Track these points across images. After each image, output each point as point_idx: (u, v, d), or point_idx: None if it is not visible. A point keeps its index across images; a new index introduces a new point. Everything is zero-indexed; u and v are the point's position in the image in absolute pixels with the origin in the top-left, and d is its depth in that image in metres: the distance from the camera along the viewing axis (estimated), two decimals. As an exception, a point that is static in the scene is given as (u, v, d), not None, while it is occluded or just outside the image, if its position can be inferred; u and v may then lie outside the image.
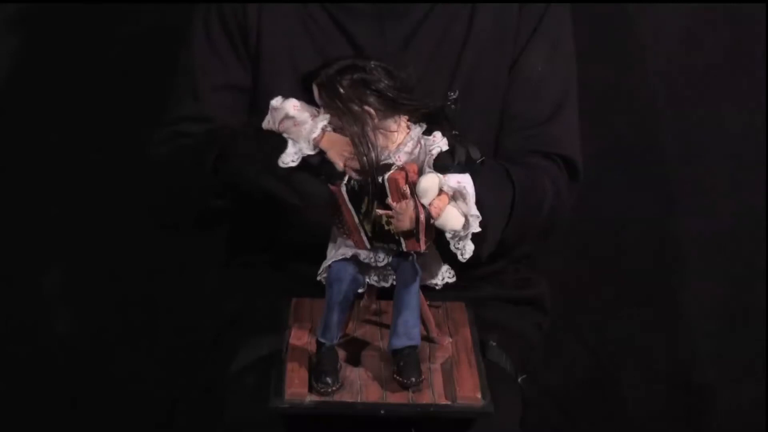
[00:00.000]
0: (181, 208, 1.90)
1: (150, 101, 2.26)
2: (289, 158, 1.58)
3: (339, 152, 1.57)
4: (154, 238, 2.30)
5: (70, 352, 2.51)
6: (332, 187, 1.57)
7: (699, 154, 2.45)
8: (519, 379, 1.86)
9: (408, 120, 1.59)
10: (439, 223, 1.51)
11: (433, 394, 1.57)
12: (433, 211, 1.50)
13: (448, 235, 1.53)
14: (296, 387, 1.56)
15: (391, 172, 1.52)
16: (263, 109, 1.64)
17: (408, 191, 1.51)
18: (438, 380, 1.59)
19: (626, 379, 2.57)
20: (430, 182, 1.50)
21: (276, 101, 1.60)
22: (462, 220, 1.51)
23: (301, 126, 1.58)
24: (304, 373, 1.59)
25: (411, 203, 1.51)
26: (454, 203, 1.51)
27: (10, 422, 2.54)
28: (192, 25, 1.92)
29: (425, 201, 1.50)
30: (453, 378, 1.59)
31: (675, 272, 2.52)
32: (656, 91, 2.42)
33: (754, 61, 2.39)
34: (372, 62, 1.58)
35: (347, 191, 1.55)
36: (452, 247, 1.54)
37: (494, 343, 1.83)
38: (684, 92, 2.41)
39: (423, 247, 1.53)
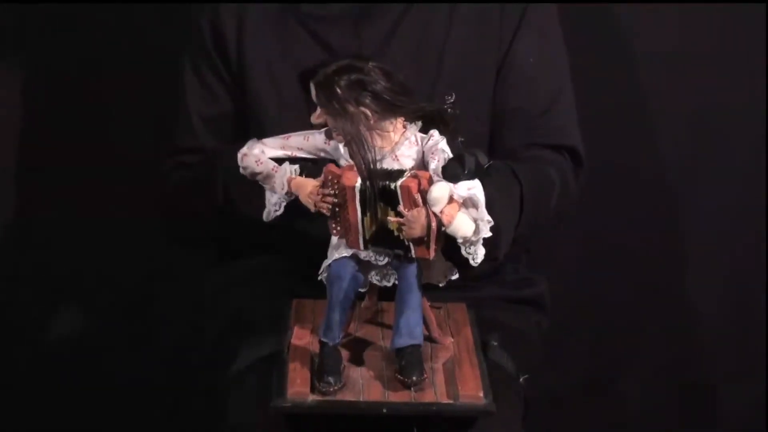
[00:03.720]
0: (190, 227, 2.00)
1: (150, 103, 2.27)
2: (273, 211, 1.62)
3: (307, 195, 1.58)
4: (154, 239, 2.30)
5: (70, 353, 2.51)
6: (328, 167, 1.57)
7: (699, 154, 2.45)
8: (521, 379, 1.86)
9: (404, 120, 1.59)
10: (451, 230, 1.51)
11: (436, 393, 1.57)
12: (445, 219, 1.50)
13: (459, 241, 1.53)
14: (298, 387, 1.56)
15: (404, 179, 1.53)
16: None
17: (420, 199, 1.51)
18: (440, 379, 1.59)
19: (626, 378, 2.57)
20: (440, 191, 1.50)
21: (240, 156, 1.63)
22: (473, 226, 1.51)
23: (270, 179, 1.61)
24: (306, 373, 1.59)
25: (423, 211, 1.51)
26: (464, 210, 1.51)
27: (11, 423, 2.54)
28: (183, 61, 1.96)
29: (436, 209, 1.50)
30: (455, 377, 1.60)
31: (675, 272, 2.52)
32: (655, 91, 2.42)
33: (754, 60, 2.39)
34: (370, 63, 1.58)
35: (359, 192, 1.55)
36: (463, 252, 1.54)
37: (495, 343, 1.83)
38: (683, 91, 2.41)
39: (432, 255, 1.54)
